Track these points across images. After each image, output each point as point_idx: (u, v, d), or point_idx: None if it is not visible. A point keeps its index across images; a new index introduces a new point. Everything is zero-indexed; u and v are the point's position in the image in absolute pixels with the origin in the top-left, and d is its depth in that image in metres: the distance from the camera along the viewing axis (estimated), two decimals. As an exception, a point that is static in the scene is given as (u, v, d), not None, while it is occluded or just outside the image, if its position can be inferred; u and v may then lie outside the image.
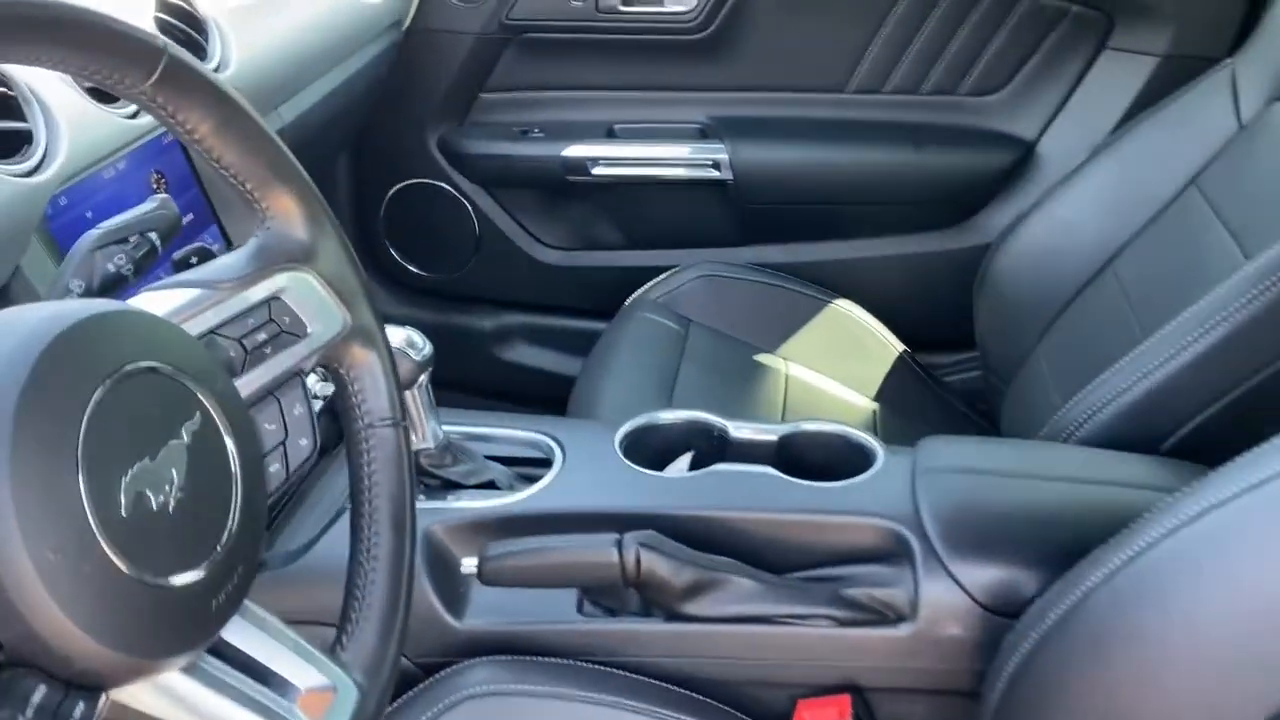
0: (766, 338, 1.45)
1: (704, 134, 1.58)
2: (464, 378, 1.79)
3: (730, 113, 1.58)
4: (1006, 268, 1.36)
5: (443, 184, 1.64)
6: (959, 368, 1.56)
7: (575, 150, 1.57)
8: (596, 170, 1.58)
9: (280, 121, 1.20)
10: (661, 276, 1.49)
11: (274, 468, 0.55)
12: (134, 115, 0.93)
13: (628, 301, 1.48)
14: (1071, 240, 1.31)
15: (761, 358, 1.42)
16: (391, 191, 1.67)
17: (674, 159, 1.56)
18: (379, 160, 1.66)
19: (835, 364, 1.44)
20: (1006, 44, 1.46)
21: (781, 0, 1.50)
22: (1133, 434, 0.96)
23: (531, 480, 0.91)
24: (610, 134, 1.59)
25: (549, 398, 1.77)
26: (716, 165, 1.55)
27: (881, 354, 1.46)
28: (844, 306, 1.47)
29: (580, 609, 0.83)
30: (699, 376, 1.35)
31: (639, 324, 1.40)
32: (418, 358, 0.84)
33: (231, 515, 0.47)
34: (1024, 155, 1.50)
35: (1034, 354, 1.34)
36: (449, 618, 0.81)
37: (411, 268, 1.73)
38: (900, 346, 1.47)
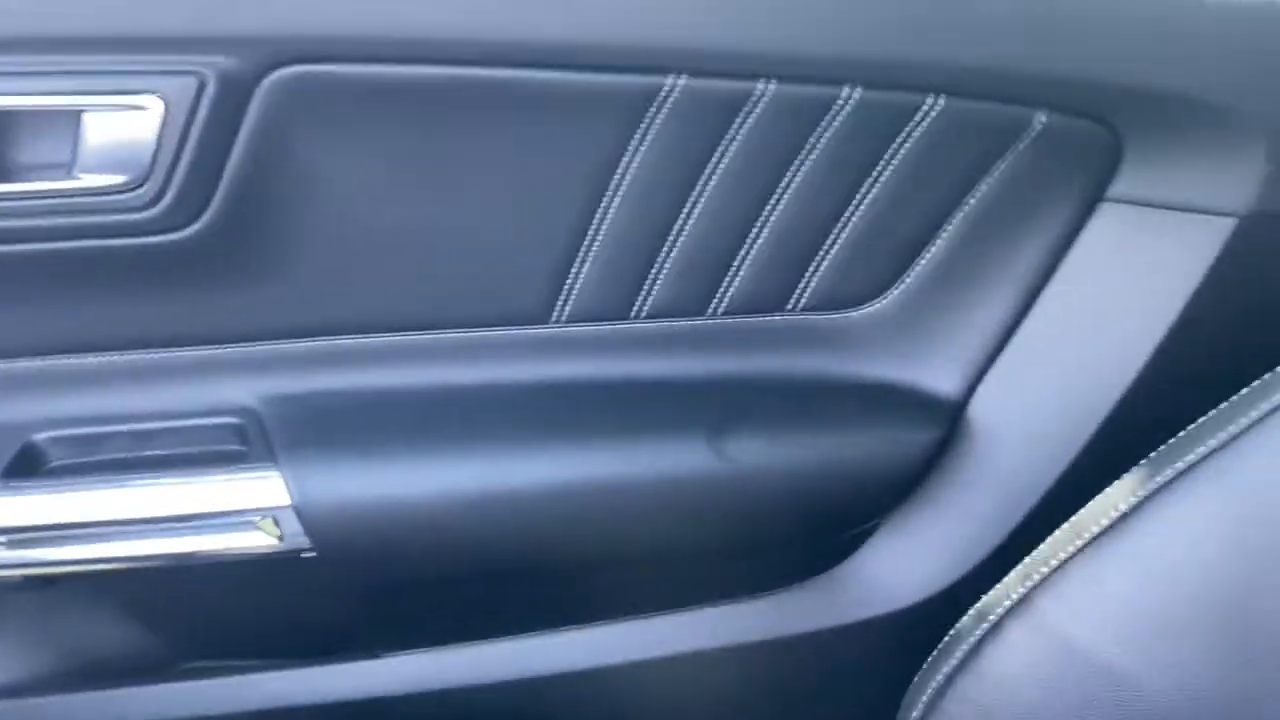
0: None
1: (244, 440, 0.71)
2: None
3: (288, 387, 0.71)
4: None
5: None
6: None
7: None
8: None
9: None
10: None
11: None
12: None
13: None
14: (1131, 679, 0.52)
15: None
16: None
17: (159, 519, 0.67)
18: None
19: None
20: (894, 197, 0.66)
21: (361, 138, 0.64)
22: None
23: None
24: (25, 463, 0.69)
25: None
26: (276, 525, 0.67)
27: None
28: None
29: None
30: None
31: None
32: None
33: None
34: (944, 436, 0.70)
35: None
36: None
37: None
38: None
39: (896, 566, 0.71)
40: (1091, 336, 0.66)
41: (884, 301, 0.68)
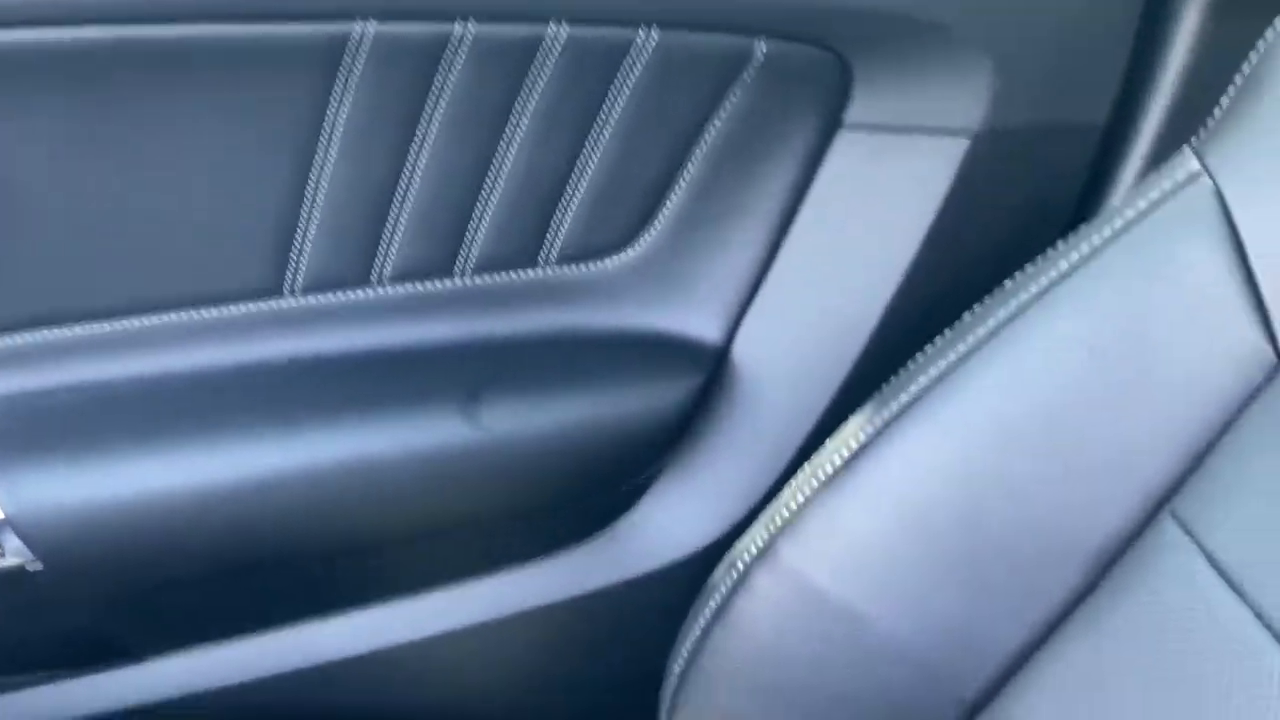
0: None
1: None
2: None
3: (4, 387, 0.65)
4: (732, 669, 0.56)
5: None
6: None
7: None
8: None
9: None
10: None
11: None
12: None
13: None
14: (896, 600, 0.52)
15: None
16: None
17: None
18: None
19: None
20: (626, 139, 0.63)
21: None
22: None
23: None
24: None
25: None
26: (-14, 535, 0.62)
27: None
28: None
29: None
30: None
31: None
32: None
33: None
34: (708, 381, 0.68)
35: None
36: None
37: None
38: None
39: (672, 518, 0.69)
40: (843, 267, 0.65)
41: (634, 248, 0.66)
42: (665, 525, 0.70)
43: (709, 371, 0.67)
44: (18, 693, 0.69)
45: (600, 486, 0.68)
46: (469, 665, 0.72)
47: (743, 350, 0.67)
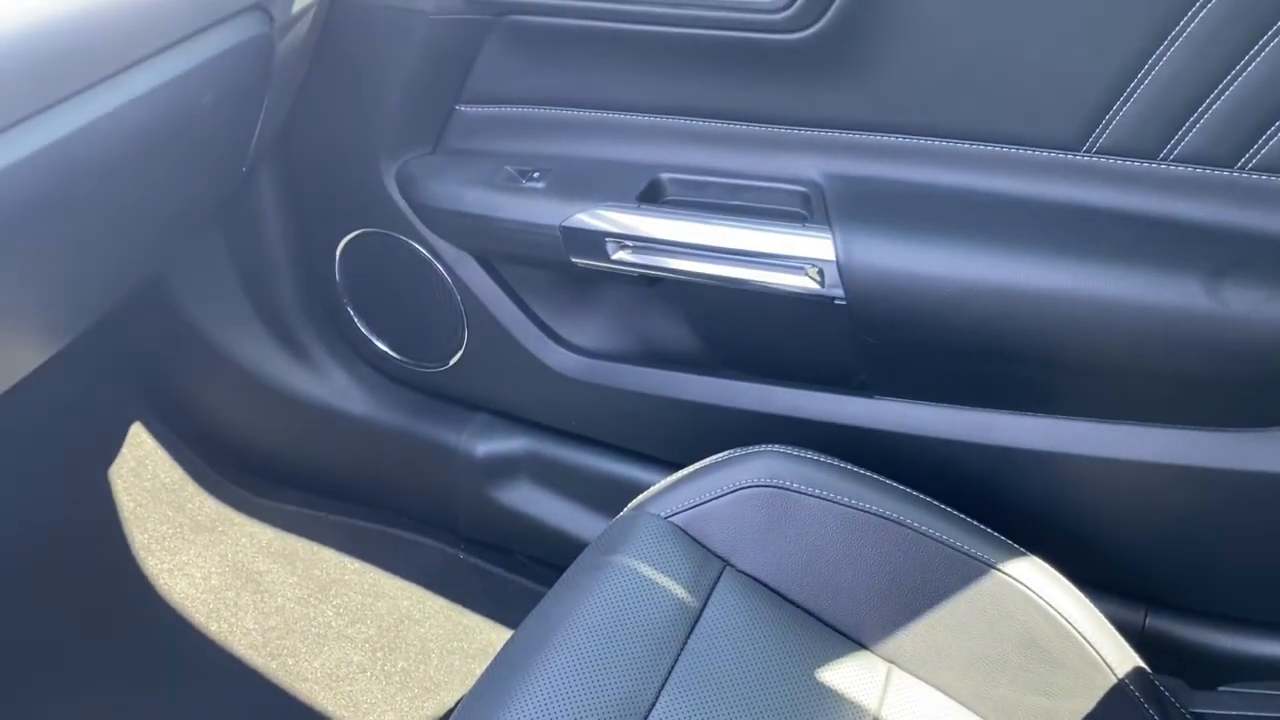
0: (864, 615, 0.78)
1: (807, 206, 0.88)
2: (446, 515, 1.22)
3: (846, 170, 0.87)
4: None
5: (407, 239, 1.05)
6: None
7: (586, 218, 0.92)
8: (619, 255, 0.93)
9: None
10: (690, 471, 0.84)
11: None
12: None
13: (628, 508, 0.86)
14: None
15: (842, 664, 0.76)
16: (345, 241, 1.10)
17: (737, 251, 0.88)
18: (324, 194, 1.08)
19: (993, 692, 0.76)
20: None
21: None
22: None
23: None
24: (652, 193, 0.92)
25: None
26: (819, 272, 0.86)
27: (1089, 679, 0.76)
28: (1020, 572, 0.77)
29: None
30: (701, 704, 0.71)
31: (619, 571, 0.77)
32: None
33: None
34: None
35: None
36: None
37: (381, 346, 1.16)
38: (1132, 662, 0.76)
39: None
40: None
41: None
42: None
43: None
44: (784, 389, 0.95)
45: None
46: (1117, 493, 0.84)
47: None
